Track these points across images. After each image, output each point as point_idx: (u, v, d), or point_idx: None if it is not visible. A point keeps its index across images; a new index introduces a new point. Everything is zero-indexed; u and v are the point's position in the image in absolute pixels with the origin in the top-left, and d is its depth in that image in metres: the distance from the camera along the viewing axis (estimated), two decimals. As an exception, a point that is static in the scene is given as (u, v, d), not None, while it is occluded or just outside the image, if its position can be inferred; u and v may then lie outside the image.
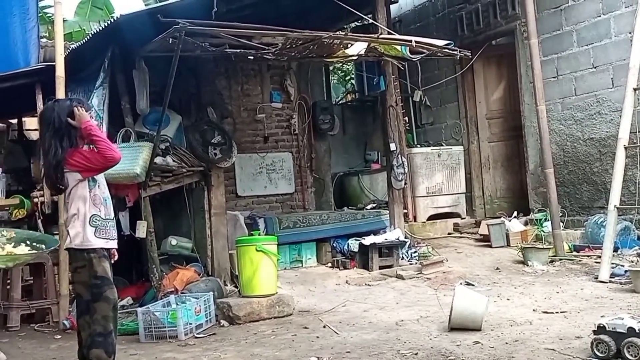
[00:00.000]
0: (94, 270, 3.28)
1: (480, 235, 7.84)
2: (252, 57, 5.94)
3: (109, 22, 5.57)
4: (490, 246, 7.38)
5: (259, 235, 5.75)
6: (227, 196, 7.11)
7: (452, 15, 9.24)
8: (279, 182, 8.02)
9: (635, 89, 6.04)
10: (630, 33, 6.37)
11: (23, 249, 3.40)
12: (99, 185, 3.38)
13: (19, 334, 5.26)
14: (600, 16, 7.14)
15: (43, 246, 3.59)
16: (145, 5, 12.21)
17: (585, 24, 7.31)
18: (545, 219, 7.26)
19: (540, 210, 7.61)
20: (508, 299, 5.19)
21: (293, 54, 5.97)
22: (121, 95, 5.88)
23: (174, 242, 6.00)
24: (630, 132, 6.02)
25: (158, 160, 5.64)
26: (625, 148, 5.95)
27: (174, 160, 5.81)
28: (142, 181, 5.55)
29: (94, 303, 3.26)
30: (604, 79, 7.14)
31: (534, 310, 4.74)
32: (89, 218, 3.29)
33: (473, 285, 5.73)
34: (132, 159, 5.41)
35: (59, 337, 5.11)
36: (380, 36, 5.99)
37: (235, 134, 7.40)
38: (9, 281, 5.53)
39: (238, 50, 5.59)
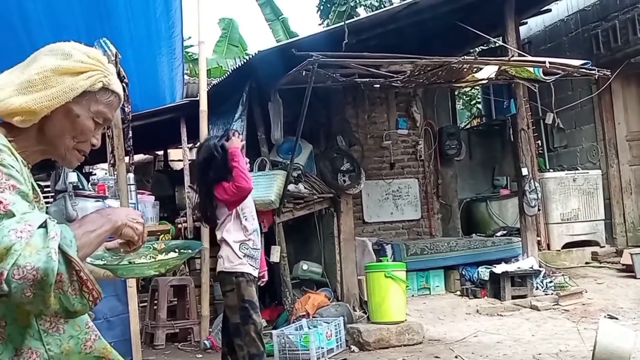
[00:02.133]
0: (242, 294, 3.46)
1: (623, 265, 7.31)
2: (379, 85, 6.05)
3: (246, 59, 5.95)
4: (634, 277, 6.86)
5: (387, 261, 5.77)
6: (354, 222, 7.21)
7: (586, 34, 8.82)
8: (405, 209, 8.00)
9: None
10: None
11: (171, 255, 3.64)
12: (246, 218, 3.59)
13: (164, 352, 5.64)
14: None
15: (189, 250, 3.84)
16: (276, 40, 12.86)
17: None
18: (698, 249, 6.65)
19: (691, 239, 6.98)
20: (658, 335, 4.79)
21: (421, 80, 6.00)
22: (257, 126, 6.22)
23: (305, 266, 6.18)
24: None
25: (291, 187, 5.86)
26: None
27: (305, 188, 6.01)
28: (276, 208, 5.79)
29: (243, 326, 3.43)
30: None
31: (688, 347, 4.34)
32: (239, 245, 3.50)
33: (617, 318, 5.36)
34: (267, 187, 5.67)
35: (200, 356, 5.41)
36: (512, 58, 5.86)
37: (363, 161, 7.51)
38: (155, 302, 5.95)
39: (367, 80, 5.72)
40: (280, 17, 13.39)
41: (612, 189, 8.55)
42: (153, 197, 5.70)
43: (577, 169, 8.64)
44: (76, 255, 1.18)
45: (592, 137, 8.85)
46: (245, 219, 3.57)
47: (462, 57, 6.22)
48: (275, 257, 5.84)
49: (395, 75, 5.67)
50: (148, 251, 1.63)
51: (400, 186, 8.01)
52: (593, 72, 5.87)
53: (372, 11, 11.66)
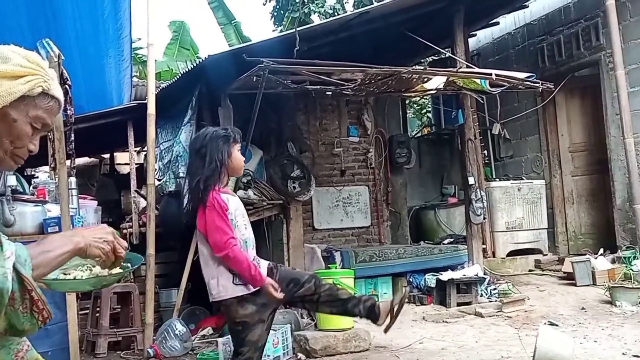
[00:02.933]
0: (232, 316, 3.12)
1: (564, 272, 7.54)
2: (330, 93, 6.08)
3: (196, 62, 5.88)
4: (574, 285, 7.07)
5: (336, 268, 5.78)
6: (304, 229, 7.21)
7: (532, 47, 9.10)
8: (355, 216, 8.05)
9: None
10: None
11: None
12: (237, 226, 3.13)
13: (106, 360, 5.50)
14: (691, 45, 6.85)
15: (129, 265, 3.70)
16: (229, 44, 12.79)
17: (676, 53, 7.03)
18: (635, 257, 6.90)
19: (629, 248, 7.24)
20: (595, 341, 4.96)
21: (371, 89, 6.06)
22: (206, 130, 6.13)
23: (253, 273, 6.12)
24: None
25: (240, 193, 5.81)
26: None
27: (254, 194, 5.98)
28: (225, 214, 5.72)
29: (238, 347, 3.14)
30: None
31: (623, 353, 4.51)
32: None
33: (557, 325, 5.51)
34: (216, 192, 5.59)
35: (143, 364, 5.30)
36: (460, 70, 5.98)
37: (313, 168, 7.53)
38: (98, 309, 5.80)
39: (318, 87, 5.74)
40: (232, 22, 13.34)
41: (555, 198, 8.83)
42: (95, 202, 5.56)
43: (522, 179, 8.89)
44: (30, 274, 1.16)
45: (537, 148, 9.12)
46: (237, 228, 3.14)
47: (412, 67, 6.32)
48: (222, 263, 5.76)
49: (346, 84, 5.70)
50: (86, 264, 1.59)
51: (351, 193, 8.07)
52: (537, 85, 6.05)
53: (326, 18, 11.75)
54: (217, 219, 3.06)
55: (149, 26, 5.67)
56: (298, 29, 5.46)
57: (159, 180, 6.28)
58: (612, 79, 7.27)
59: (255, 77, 5.25)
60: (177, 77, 6.26)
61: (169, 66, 11.60)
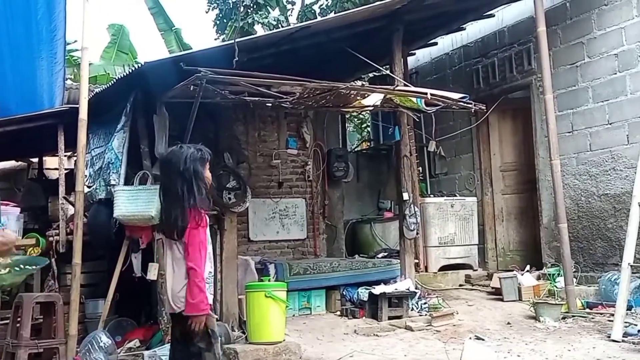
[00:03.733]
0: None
1: (492, 288, 7.77)
2: (269, 105, 6.07)
3: (133, 68, 5.75)
4: (502, 300, 7.30)
5: (269, 281, 5.76)
6: (239, 240, 7.15)
7: (468, 68, 9.38)
8: (291, 228, 8.06)
9: (649, 147, 6.06)
10: (645, 91, 6.41)
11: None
12: None
13: (26, 373, 5.26)
14: (616, 73, 7.18)
15: (31, 267, 3.57)
16: (169, 51, 12.61)
17: (601, 80, 7.35)
18: (558, 274, 7.20)
19: (554, 265, 7.55)
20: (518, 356, 5.12)
21: (310, 103, 6.09)
22: (141, 138, 6.02)
23: (184, 285, 6.01)
24: (646, 189, 6.01)
25: (173, 203, 5.70)
26: (640, 206, 5.93)
27: (188, 204, 5.87)
28: (156, 223, 5.61)
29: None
30: (619, 136, 7.14)
31: (544, 368, 4.67)
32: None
33: (483, 339, 5.66)
34: (148, 202, 5.47)
35: (66, 377, 5.10)
36: (396, 88, 6.10)
37: (250, 179, 7.49)
38: (19, 319, 5.56)
39: (257, 99, 5.71)
40: (173, 28, 13.17)
41: (486, 215, 9.10)
42: (18, 209, 5.34)
43: (456, 195, 9.13)
44: None
45: (470, 166, 9.39)
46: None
47: (350, 83, 6.40)
48: (152, 274, 5.64)
49: (285, 97, 5.71)
50: None
51: (288, 205, 8.07)
52: (470, 105, 6.24)
53: (270, 29, 11.76)
54: (204, 239, 3.39)
55: (84, 29, 5.54)
56: (237, 40, 5.43)
57: (89, 187, 6.10)
58: (541, 103, 7.56)
59: (192, 86, 5.18)
60: (113, 82, 6.10)
61: (105, 70, 11.33)
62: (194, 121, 5.39)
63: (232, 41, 5.46)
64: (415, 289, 6.90)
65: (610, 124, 7.25)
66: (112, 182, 5.72)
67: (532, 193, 8.52)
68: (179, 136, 5.87)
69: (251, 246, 7.74)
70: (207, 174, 3.48)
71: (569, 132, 7.73)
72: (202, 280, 3.31)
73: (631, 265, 5.77)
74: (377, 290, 6.49)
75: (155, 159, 6.11)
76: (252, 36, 7.92)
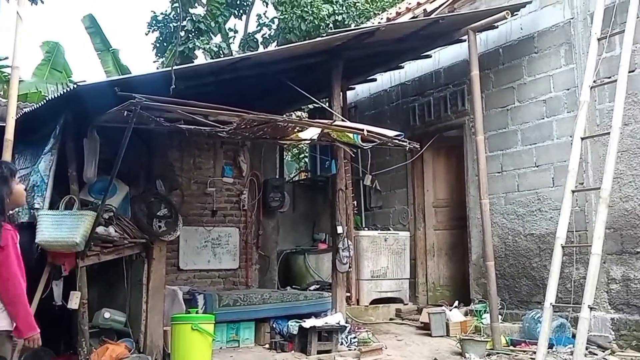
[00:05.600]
0: None
1: (421, 323, 7.86)
2: (206, 134, 6.00)
3: (65, 89, 5.58)
4: (430, 335, 7.38)
5: (197, 312, 5.62)
6: (169, 269, 7.00)
7: (405, 105, 9.60)
8: (223, 257, 7.94)
9: (573, 191, 6.30)
10: (570, 137, 6.66)
11: None
12: None
13: None
14: (544, 118, 7.46)
15: None
16: (105, 71, 12.34)
17: (530, 124, 7.64)
18: (485, 311, 7.35)
19: (481, 302, 7.72)
20: (443, 394, 5.17)
21: (247, 134, 6.07)
22: (69, 162, 5.82)
23: (107, 315, 5.80)
24: (568, 231, 6.25)
25: (100, 230, 5.53)
26: (563, 247, 6.15)
27: (116, 231, 5.70)
28: (80, 250, 5.41)
29: None
30: (545, 178, 7.42)
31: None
32: None
33: (410, 376, 5.69)
34: (73, 227, 5.29)
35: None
36: (334, 123, 6.15)
37: (183, 206, 7.37)
38: None
39: (192, 127, 5.63)
40: (110, 49, 12.93)
41: (418, 250, 9.25)
42: None
43: (390, 229, 9.25)
44: None
45: (404, 201, 9.55)
46: None
47: (288, 116, 6.43)
48: (74, 303, 5.42)
49: (222, 126, 5.66)
50: None
51: (221, 234, 7.96)
52: (405, 143, 6.35)
53: (211, 56, 11.73)
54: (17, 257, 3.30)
55: (16, 49, 5.34)
56: (175, 67, 5.36)
57: (11, 210, 5.81)
58: (473, 143, 7.79)
59: (126, 112, 5.06)
60: (43, 102, 5.89)
61: (37, 87, 10.95)
62: (127, 146, 5.25)
63: (170, 68, 5.38)
64: (346, 322, 6.89)
65: (538, 166, 7.53)
66: (36, 206, 5.49)
67: (463, 230, 8.72)
68: (110, 160, 5.72)
69: (181, 275, 7.57)
70: (15, 187, 3.48)
71: (499, 173, 7.98)
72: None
73: (553, 305, 5.95)
74: (307, 323, 6.44)
75: (83, 183, 5.92)
76: (191, 64, 7.88)
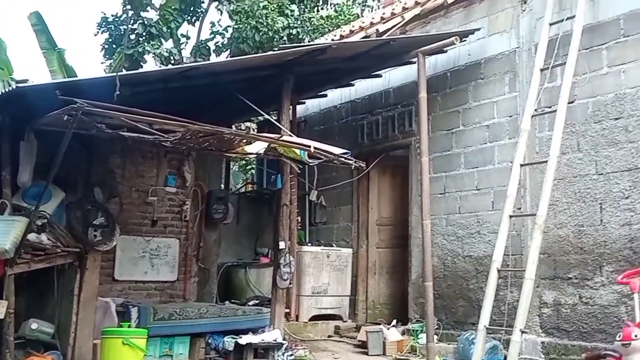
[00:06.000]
0: None
1: (359, 341, 7.87)
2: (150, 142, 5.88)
3: (5, 89, 5.37)
4: (367, 353, 7.40)
5: (129, 326, 5.46)
6: (103, 279, 6.78)
7: (354, 122, 9.66)
8: (161, 269, 7.74)
9: (511, 216, 6.47)
10: (511, 162, 6.83)
11: None
12: None
13: None
14: (486, 143, 7.60)
15: None
16: (50, 71, 11.97)
17: (473, 148, 7.77)
18: (422, 330, 7.42)
19: (418, 321, 7.79)
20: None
21: (192, 144, 5.97)
22: (3, 165, 5.59)
23: (34, 325, 5.56)
24: (504, 255, 6.39)
25: (31, 237, 5.32)
26: (498, 270, 6.29)
27: (49, 239, 5.50)
28: (9, 258, 5.19)
29: None
30: (485, 201, 7.56)
31: None
32: None
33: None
34: (4, 234, 5.08)
35: None
36: (281, 138, 6.13)
37: (122, 215, 7.16)
38: None
39: (135, 135, 5.50)
40: (56, 48, 12.57)
41: (360, 267, 9.28)
42: None
43: (333, 245, 9.26)
44: None
45: (349, 218, 9.58)
46: None
47: (237, 127, 6.38)
48: (0, 312, 5.18)
49: (166, 135, 5.55)
50: None
51: (160, 245, 7.77)
52: (350, 162, 6.40)
53: (161, 61, 11.55)
54: None
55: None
56: (121, 74, 5.24)
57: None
58: (418, 163, 7.88)
59: (66, 117, 4.90)
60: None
61: (-25, 85, 10.51)
62: (66, 150, 5.08)
63: (115, 74, 5.26)
64: (284, 339, 6.83)
65: (479, 189, 7.68)
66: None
67: (405, 249, 8.79)
68: (48, 163, 5.52)
69: (115, 286, 7.34)
70: None
71: (442, 194, 8.10)
72: None
73: (487, 327, 6.07)
74: (244, 340, 6.36)
75: (17, 187, 5.70)
76: (139, 71, 7.73)
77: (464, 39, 7.72)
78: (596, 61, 6.43)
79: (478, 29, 7.70)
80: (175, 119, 5.25)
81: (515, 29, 7.35)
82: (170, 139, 5.61)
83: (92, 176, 6.48)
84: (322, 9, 13.82)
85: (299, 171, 7.22)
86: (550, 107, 6.64)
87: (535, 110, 6.65)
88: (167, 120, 5.27)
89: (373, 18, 9.74)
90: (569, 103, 6.36)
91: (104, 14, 13.17)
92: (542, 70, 6.67)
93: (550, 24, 6.74)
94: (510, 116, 7.33)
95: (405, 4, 8.83)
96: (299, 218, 8.69)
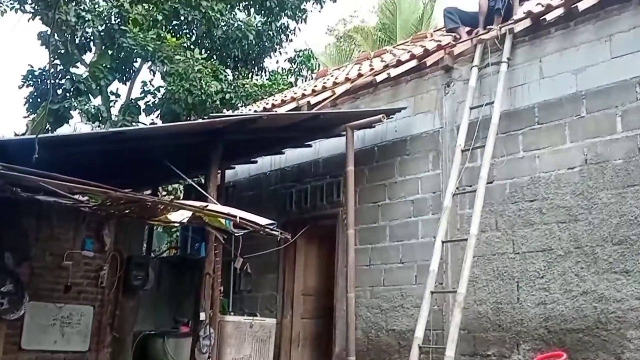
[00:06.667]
0: None
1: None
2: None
3: None
4: None
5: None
6: (8, 347, 6.37)
7: (283, 190, 9.65)
8: (72, 338, 7.30)
9: (432, 292, 6.55)
10: (434, 237, 6.94)
11: None
12: None
13: None
14: (411, 218, 7.72)
15: None
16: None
17: (398, 222, 7.88)
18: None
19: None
20: None
21: (113, 211, 5.79)
22: None
23: None
24: (426, 329, 6.41)
25: None
26: (420, 347, 6.29)
27: (-53, 308, 5.10)
28: None
29: None
30: (409, 275, 7.60)
31: None
32: None
33: None
34: None
35: None
36: (206, 208, 6.03)
37: (33, 280, 6.77)
38: None
39: (52, 199, 5.28)
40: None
41: (284, 338, 9.08)
42: None
43: (257, 315, 9.02)
44: None
45: (274, 286, 9.42)
46: None
47: (162, 191, 6.25)
48: None
49: (85, 201, 5.36)
50: None
51: (73, 312, 7.35)
52: (276, 233, 6.36)
53: (88, 118, 11.30)
54: None
55: None
56: (40, 136, 5.07)
57: None
58: (345, 235, 7.93)
59: (-23, 179, 4.66)
60: None
61: None
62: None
63: (35, 136, 5.08)
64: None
65: (403, 263, 7.75)
66: None
67: (330, 320, 8.69)
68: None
69: (22, 356, 6.84)
70: None
71: (367, 266, 8.12)
72: None
73: (407, 405, 6.02)
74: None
75: None
76: (57, 135, 7.50)
77: (391, 116, 7.97)
78: (513, 145, 6.77)
79: (404, 108, 7.98)
80: (96, 185, 5.09)
81: (439, 110, 7.66)
82: (89, 205, 5.43)
83: (3, 239, 6.12)
84: (257, 75, 14.05)
85: (223, 241, 7.09)
86: (470, 186, 6.88)
87: (457, 188, 6.87)
88: (86, 186, 5.10)
89: (305, 90, 9.95)
90: (488, 183, 6.63)
91: (31, 67, 12.88)
92: (463, 151, 6.94)
93: (471, 108, 7.07)
94: (434, 192, 7.53)
95: (336, 78, 9.10)
96: (222, 288, 8.46)
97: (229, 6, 12.04)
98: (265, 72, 14.05)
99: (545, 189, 6.42)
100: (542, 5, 6.88)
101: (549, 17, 6.55)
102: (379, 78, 8.06)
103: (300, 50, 16.16)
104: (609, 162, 5.98)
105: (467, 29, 7.98)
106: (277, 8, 13.78)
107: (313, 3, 15.22)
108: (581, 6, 6.29)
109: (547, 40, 6.75)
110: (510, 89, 6.92)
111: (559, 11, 6.53)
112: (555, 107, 6.49)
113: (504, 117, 6.79)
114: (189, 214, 5.95)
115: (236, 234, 6.45)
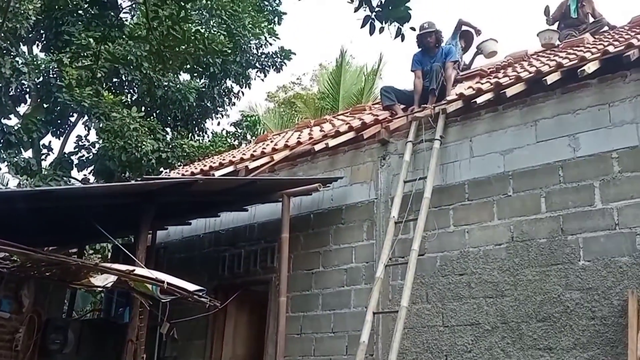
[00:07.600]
0: None
1: None
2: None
3: None
4: None
5: None
6: None
7: (217, 253, 9.47)
8: (-21, 408, 6.80)
9: (362, 365, 6.47)
10: (365, 307, 6.94)
11: None
12: None
13: None
14: (344, 286, 7.69)
15: None
16: None
17: (331, 290, 7.82)
18: None
19: None
20: None
21: (33, 272, 5.52)
22: None
23: None
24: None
25: None
26: None
27: None
28: None
29: None
30: (340, 345, 7.50)
31: None
32: None
33: None
34: None
35: None
36: (132, 272, 5.84)
37: (-61, 344, 6.31)
38: None
39: (-34, 259, 5.01)
40: None
41: (208, 409, 8.71)
42: None
43: (180, 382, 8.66)
44: None
45: (202, 353, 9.09)
46: None
47: (89, 249, 6.02)
48: None
49: (4, 262, 5.10)
50: None
51: (-19, 379, 6.87)
52: (205, 300, 6.20)
53: (16, 170, 10.90)
54: None
55: None
56: (-40, 192, 4.85)
57: None
58: (277, 302, 7.80)
59: None
60: None
61: None
62: None
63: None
64: None
65: (334, 332, 7.66)
66: None
67: (258, 390, 8.46)
68: None
69: None
70: None
71: (298, 335, 7.98)
72: None
73: None
74: None
75: None
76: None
77: (327, 185, 8.05)
78: (444, 219, 6.94)
79: (341, 177, 8.09)
80: (15, 245, 4.86)
81: (375, 181, 7.81)
82: (7, 266, 5.17)
83: None
84: (198, 136, 14.01)
85: (148, 307, 6.85)
86: (403, 257, 6.96)
87: (390, 259, 6.93)
88: (6, 246, 4.86)
89: (244, 154, 9.97)
90: (419, 256, 6.73)
91: (-43, 117, 12.41)
92: (396, 222, 7.05)
93: (405, 181, 7.24)
94: (367, 262, 7.56)
95: (275, 144, 9.18)
96: (144, 356, 8.09)
97: (170, 71, 12.12)
98: (206, 133, 14.04)
99: (474, 264, 6.56)
100: (474, 89, 7.24)
101: (479, 100, 6.88)
102: (317, 147, 8.18)
103: (248, 115, 16.31)
104: (534, 241, 6.20)
105: (403, 106, 8.28)
106: (221, 73, 13.95)
107: (257, 71, 15.50)
108: (509, 92, 6.64)
109: (477, 121, 7.08)
110: (442, 165, 7.15)
111: (489, 95, 6.88)
112: (484, 185, 6.73)
113: (436, 191, 6.98)
114: (113, 278, 5.75)
115: (162, 300, 6.26)
